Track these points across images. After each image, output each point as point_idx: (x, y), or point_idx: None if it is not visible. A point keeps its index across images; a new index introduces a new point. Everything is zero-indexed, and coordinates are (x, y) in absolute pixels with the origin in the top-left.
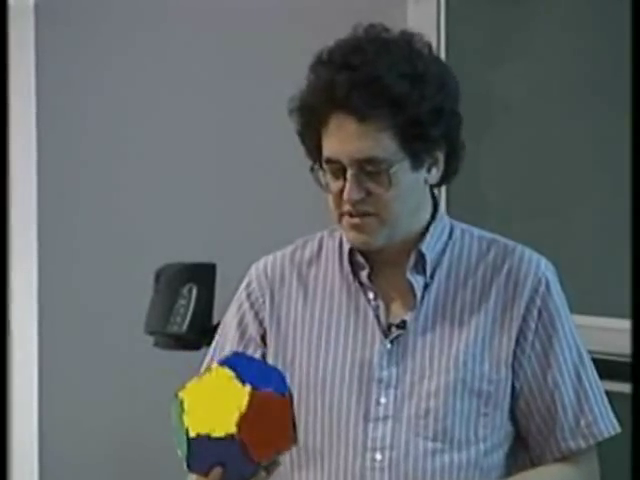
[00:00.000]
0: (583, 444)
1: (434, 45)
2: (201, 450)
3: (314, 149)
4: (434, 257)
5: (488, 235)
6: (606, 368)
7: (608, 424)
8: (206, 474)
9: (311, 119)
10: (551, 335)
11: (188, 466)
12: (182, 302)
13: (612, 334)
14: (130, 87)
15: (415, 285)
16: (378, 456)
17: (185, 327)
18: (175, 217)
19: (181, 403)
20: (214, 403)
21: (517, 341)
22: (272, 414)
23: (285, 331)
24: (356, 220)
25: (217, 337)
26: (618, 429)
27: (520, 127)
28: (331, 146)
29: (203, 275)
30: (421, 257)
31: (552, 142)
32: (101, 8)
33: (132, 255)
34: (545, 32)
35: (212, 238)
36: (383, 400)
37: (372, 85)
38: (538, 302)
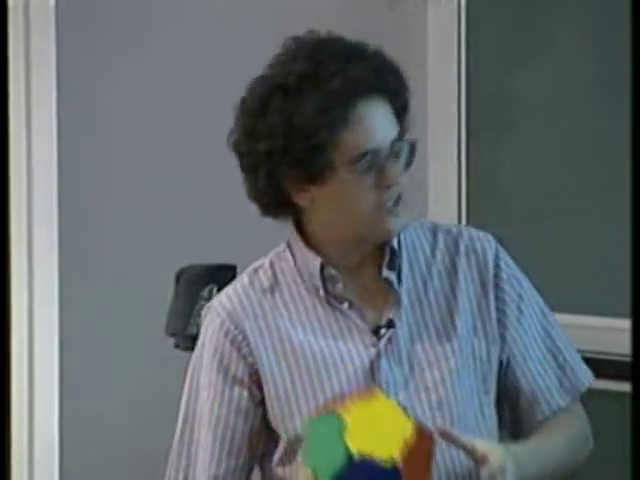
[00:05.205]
0: (569, 399)
1: (455, 47)
2: (355, 473)
3: (324, 162)
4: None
5: (426, 222)
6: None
7: (586, 374)
8: None
9: (333, 118)
10: (519, 302)
11: None
12: (203, 304)
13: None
14: (151, 87)
15: (394, 282)
16: None
17: None
18: (195, 218)
19: (339, 418)
20: (378, 429)
21: (496, 318)
22: (424, 453)
23: (277, 361)
24: (397, 207)
25: (188, 386)
26: (593, 378)
27: (540, 128)
28: (366, 136)
29: (224, 276)
30: (392, 253)
31: (572, 143)
32: (119, 4)
33: (152, 257)
34: (565, 33)
35: (233, 239)
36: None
37: (387, 66)
38: (502, 275)
